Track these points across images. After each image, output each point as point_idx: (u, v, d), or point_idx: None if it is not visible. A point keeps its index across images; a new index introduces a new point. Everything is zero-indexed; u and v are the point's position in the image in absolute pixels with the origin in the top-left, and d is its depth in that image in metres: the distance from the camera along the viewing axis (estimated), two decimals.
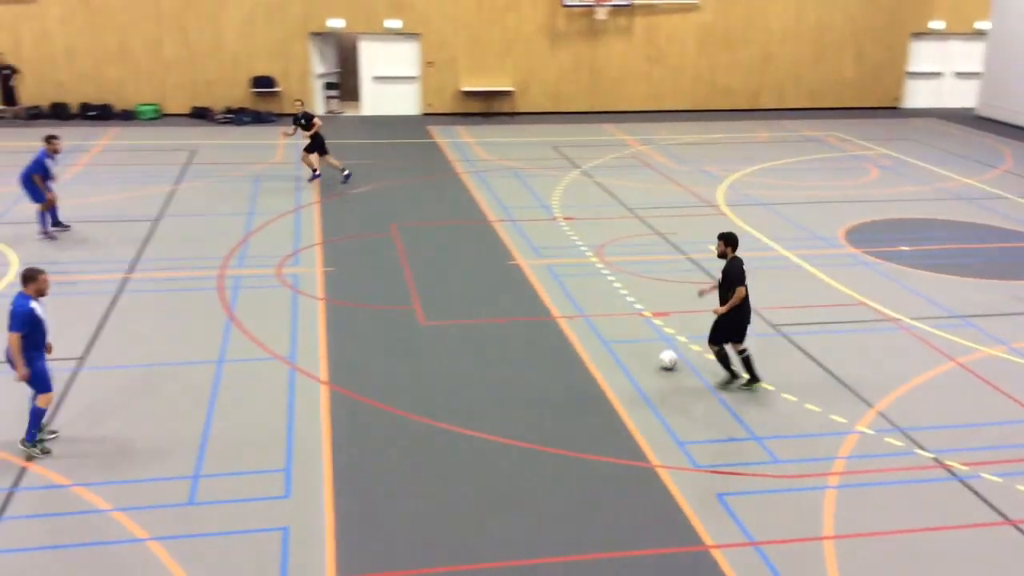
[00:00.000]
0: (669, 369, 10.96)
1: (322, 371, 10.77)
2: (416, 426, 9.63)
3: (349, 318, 12.35)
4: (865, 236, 16.34)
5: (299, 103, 19.22)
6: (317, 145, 18.72)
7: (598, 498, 8.46)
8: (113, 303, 12.57)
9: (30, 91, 24.94)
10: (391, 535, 7.85)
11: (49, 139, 15.25)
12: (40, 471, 8.57)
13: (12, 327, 8.50)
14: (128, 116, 25.54)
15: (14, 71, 24.24)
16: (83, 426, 9.41)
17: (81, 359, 10.86)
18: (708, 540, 7.85)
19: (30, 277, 8.74)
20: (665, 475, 8.81)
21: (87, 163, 20.48)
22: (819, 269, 14.56)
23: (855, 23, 28.89)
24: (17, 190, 15.04)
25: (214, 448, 9.08)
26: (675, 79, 28.35)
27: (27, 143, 21.94)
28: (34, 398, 8.79)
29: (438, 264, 14.57)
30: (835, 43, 28.97)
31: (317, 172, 18.98)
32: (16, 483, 8.37)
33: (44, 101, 25.20)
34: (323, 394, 10.24)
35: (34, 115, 24.93)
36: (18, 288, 8.81)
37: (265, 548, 7.60)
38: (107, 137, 23.20)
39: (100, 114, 25.28)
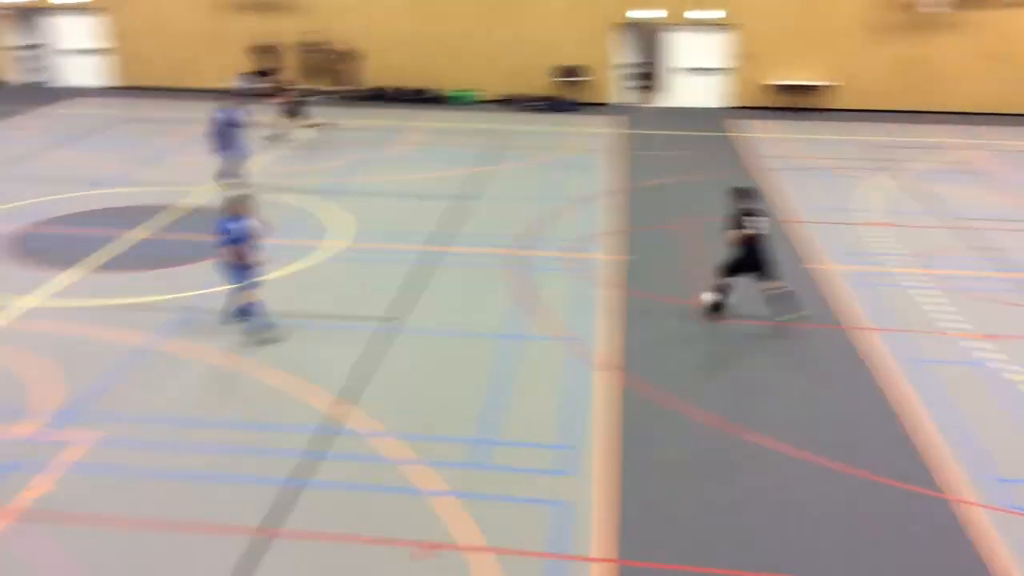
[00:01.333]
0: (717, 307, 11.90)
1: (613, 358, 10.92)
2: (700, 425, 9.51)
3: (638, 307, 12.41)
4: None
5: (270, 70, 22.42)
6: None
7: (892, 528, 7.91)
8: (430, 273, 13.50)
9: (369, 74, 27.26)
10: (668, 529, 7.83)
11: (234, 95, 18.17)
12: (362, 418, 9.42)
13: (230, 242, 10.78)
14: (445, 101, 27.27)
15: (341, 55, 26.47)
16: (399, 384, 10.22)
17: (399, 320, 11.80)
18: None
19: (243, 202, 10.98)
20: (975, 513, 8.05)
21: (407, 143, 22.13)
22: None
23: None
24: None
25: (510, 417, 9.51)
26: (1018, 80, 25.60)
27: (364, 122, 24.14)
28: (240, 295, 10.98)
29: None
30: None
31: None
32: (340, 427, 9.27)
33: (379, 84, 27.48)
34: (612, 381, 10.38)
35: (369, 97, 27.29)
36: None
37: (549, 519, 7.86)
38: (425, 120, 24.92)
39: (421, 98, 27.18)
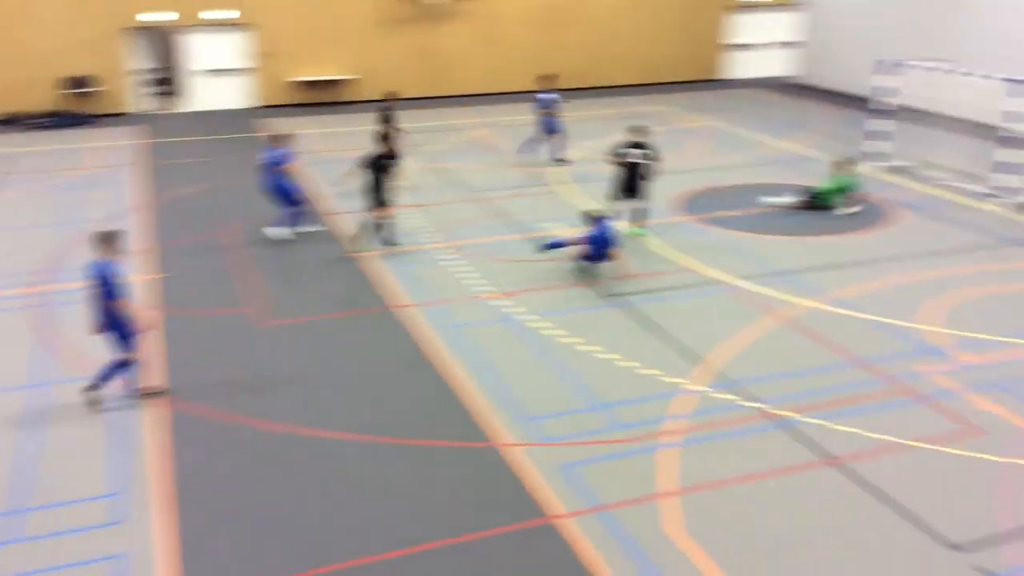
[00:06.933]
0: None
1: (157, 383, 10.35)
2: (253, 432, 9.42)
3: (179, 326, 11.91)
4: (699, 203, 17.04)
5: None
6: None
7: (446, 484, 8.52)
8: None
9: None
10: (240, 546, 7.66)
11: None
12: None
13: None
14: None
15: None
16: None
17: None
18: (557, 510, 8.03)
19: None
20: (513, 453, 8.94)
21: None
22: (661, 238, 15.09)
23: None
24: None
25: (51, 480, 8.59)
26: (509, 61, 28.48)
27: None
28: None
29: (273, 264, 14.20)
30: (664, 19, 29.85)
31: None
32: None
33: None
34: (158, 410, 9.83)
35: None
36: None
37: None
38: None
39: None
